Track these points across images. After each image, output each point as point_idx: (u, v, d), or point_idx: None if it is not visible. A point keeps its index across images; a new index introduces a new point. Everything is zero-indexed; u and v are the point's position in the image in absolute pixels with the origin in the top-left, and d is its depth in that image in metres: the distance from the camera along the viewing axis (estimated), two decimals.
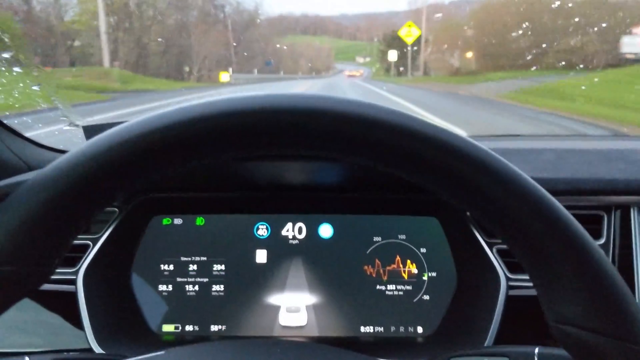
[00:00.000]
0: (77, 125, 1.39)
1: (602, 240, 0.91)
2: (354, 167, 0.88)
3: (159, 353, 0.57)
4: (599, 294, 0.38)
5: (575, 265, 0.38)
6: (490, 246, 0.90)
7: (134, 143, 0.39)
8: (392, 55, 27.47)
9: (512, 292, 0.86)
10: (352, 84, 21.37)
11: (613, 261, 0.90)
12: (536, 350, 0.60)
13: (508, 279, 0.86)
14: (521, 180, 0.39)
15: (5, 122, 1.03)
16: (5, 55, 1.36)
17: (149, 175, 0.41)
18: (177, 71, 19.93)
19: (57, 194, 0.39)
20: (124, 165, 0.39)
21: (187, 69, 20.28)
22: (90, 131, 0.94)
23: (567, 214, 0.39)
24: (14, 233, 0.38)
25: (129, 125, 0.39)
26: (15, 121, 1.09)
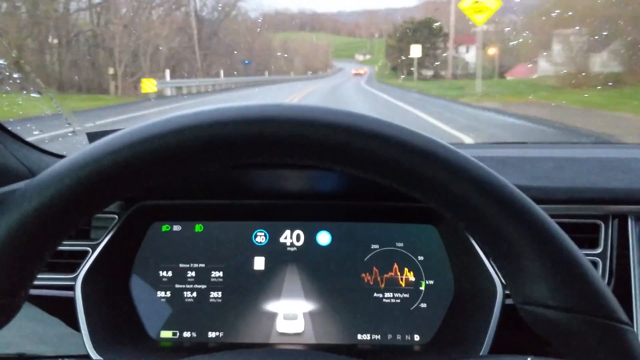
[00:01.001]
0: (73, 132, 1.41)
1: (599, 249, 0.91)
2: (352, 175, 0.89)
3: None
4: (560, 271, 0.38)
5: (534, 243, 0.39)
6: (488, 255, 0.90)
7: (127, 152, 0.39)
8: (416, 51, 21.47)
9: (508, 301, 0.85)
10: (373, 99, 15.72)
11: (610, 270, 0.90)
12: (528, 359, 0.60)
13: (505, 288, 0.86)
14: (471, 165, 0.40)
15: (8, 128, 1.05)
16: None
17: (139, 184, 0.41)
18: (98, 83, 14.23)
19: (38, 206, 0.39)
20: (106, 178, 0.39)
21: (111, 71, 14.27)
22: (94, 137, 0.94)
23: (521, 194, 0.40)
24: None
25: (119, 135, 0.40)
26: (18, 127, 1.10)
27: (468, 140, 6.89)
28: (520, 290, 0.40)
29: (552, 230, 0.39)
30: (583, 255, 0.39)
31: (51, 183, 0.39)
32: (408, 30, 27.87)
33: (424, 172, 0.40)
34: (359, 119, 0.40)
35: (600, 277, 0.39)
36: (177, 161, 0.40)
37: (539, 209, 0.40)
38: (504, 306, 0.85)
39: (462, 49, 25.66)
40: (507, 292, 0.86)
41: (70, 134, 1.44)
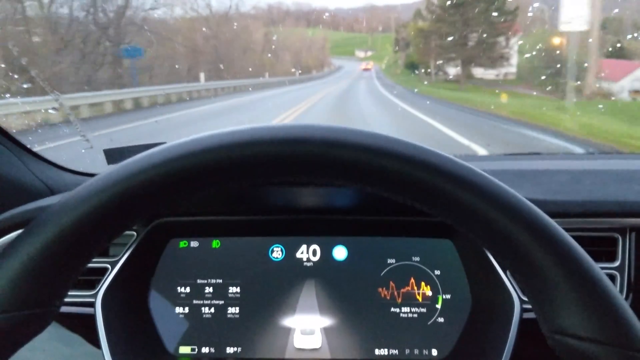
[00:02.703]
0: (87, 141, 1.42)
1: (617, 263, 0.90)
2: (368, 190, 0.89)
3: None
4: (591, 303, 0.39)
5: (566, 275, 0.39)
6: (505, 269, 0.90)
7: (157, 171, 0.40)
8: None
9: (526, 315, 0.85)
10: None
11: (628, 283, 0.90)
12: None
13: (522, 302, 0.86)
14: (506, 195, 0.40)
15: (28, 146, 1.06)
16: None
17: (167, 202, 0.42)
18: None
19: (75, 220, 0.40)
20: (144, 193, 0.41)
21: None
22: (111, 154, 0.96)
23: (554, 224, 0.40)
24: (24, 273, 0.40)
25: (151, 154, 0.41)
26: (30, 137, 1.11)
27: None
28: (550, 319, 0.40)
29: (584, 262, 0.39)
30: (615, 287, 0.39)
31: (88, 198, 0.40)
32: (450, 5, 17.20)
33: (459, 199, 0.40)
34: (400, 145, 0.41)
35: (631, 310, 0.39)
36: (210, 179, 0.41)
37: (572, 240, 0.40)
38: (522, 320, 0.85)
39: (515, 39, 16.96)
40: (525, 306, 0.86)
41: (84, 148, 1.46)
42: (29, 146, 1.07)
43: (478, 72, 18.39)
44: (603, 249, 0.91)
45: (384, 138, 0.42)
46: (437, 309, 0.95)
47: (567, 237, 0.40)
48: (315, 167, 0.41)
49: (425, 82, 20.06)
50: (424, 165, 0.40)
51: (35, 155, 1.10)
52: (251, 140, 0.41)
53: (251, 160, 0.41)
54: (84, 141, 1.40)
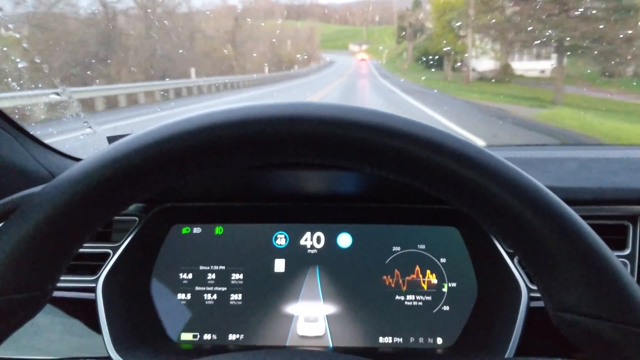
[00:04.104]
0: (90, 127, 1.41)
1: (628, 251, 0.89)
2: (373, 176, 0.88)
3: None
4: (596, 279, 0.38)
5: (571, 251, 0.38)
6: (512, 257, 0.88)
7: (146, 151, 0.39)
8: None
9: (533, 304, 0.84)
10: None
11: (639, 271, 0.88)
12: None
13: (529, 290, 0.85)
14: (511, 171, 0.39)
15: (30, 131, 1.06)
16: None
17: (164, 182, 0.41)
18: None
19: (68, 201, 0.39)
20: (125, 178, 0.40)
21: None
22: (115, 141, 0.95)
23: (558, 200, 0.39)
24: (15, 256, 0.39)
25: (142, 135, 0.40)
26: (39, 132, 1.11)
27: None
28: (555, 297, 0.39)
29: (590, 238, 0.38)
30: (621, 263, 0.38)
31: (81, 178, 0.40)
32: None
33: (462, 176, 0.39)
34: (415, 126, 0.40)
35: (638, 286, 0.38)
36: (205, 158, 0.40)
37: (577, 216, 0.39)
38: (529, 309, 0.84)
39: None
40: (533, 294, 0.85)
41: (85, 134, 1.45)
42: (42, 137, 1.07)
43: (520, 66, 13.00)
44: (613, 237, 0.90)
45: (388, 116, 0.40)
46: (443, 297, 0.94)
47: (573, 212, 0.39)
48: (320, 147, 0.40)
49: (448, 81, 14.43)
50: (414, 139, 0.39)
51: (38, 141, 1.09)
52: (249, 119, 0.40)
53: (248, 140, 0.39)
54: (87, 127, 1.39)
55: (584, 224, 0.39)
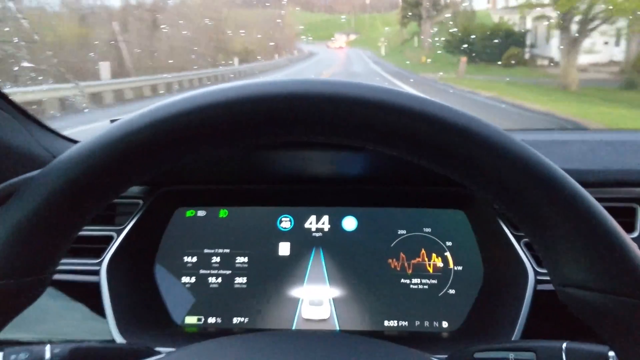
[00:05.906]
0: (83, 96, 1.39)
1: (636, 234, 0.88)
2: (379, 159, 0.87)
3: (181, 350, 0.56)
4: (602, 252, 0.37)
5: (577, 224, 0.37)
6: (518, 239, 0.87)
7: (141, 134, 0.38)
8: None
9: (540, 287, 0.83)
10: None
11: None
12: (564, 345, 0.58)
13: (536, 273, 0.84)
14: (513, 144, 0.38)
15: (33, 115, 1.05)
16: None
17: (154, 167, 0.41)
18: None
19: (68, 181, 0.39)
20: (118, 161, 0.39)
21: None
22: None
23: (562, 172, 0.38)
24: (14, 240, 0.38)
25: (134, 118, 0.39)
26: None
27: None
28: (560, 271, 0.39)
29: (595, 211, 0.37)
30: (628, 236, 0.37)
31: (80, 160, 0.39)
32: None
33: (463, 150, 0.38)
34: (429, 105, 0.39)
35: None
36: (211, 136, 0.39)
37: (582, 188, 0.38)
38: (536, 292, 0.83)
39: None
40: (539, 277, 0.84)
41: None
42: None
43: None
44: (621, 220, 0.88)
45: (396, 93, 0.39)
46: (449, 280, 0.93)
47: (578, 186, 0.38)
48: (331, 124, 0.39)
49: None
50: (408, 111, 0.38)
51: (43, 126, 1.09)
52: (250, 95, 0.38)
53: (249, 117, 0.38)
54: (81, 96, 1.38)
55: (590, 197, 0.38)
